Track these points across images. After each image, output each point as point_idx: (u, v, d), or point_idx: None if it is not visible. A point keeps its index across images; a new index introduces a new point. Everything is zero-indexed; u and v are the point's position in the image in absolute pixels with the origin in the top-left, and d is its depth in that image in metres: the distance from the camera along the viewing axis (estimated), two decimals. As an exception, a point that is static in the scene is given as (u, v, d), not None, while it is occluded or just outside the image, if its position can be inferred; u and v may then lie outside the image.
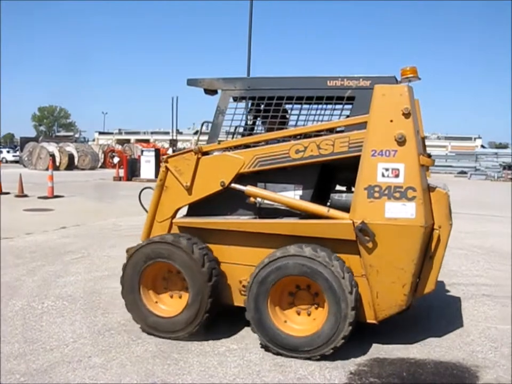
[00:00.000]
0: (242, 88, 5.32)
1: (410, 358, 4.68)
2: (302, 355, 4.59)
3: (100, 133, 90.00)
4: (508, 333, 5.40)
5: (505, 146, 78.63)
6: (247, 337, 5.03)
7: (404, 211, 4.49)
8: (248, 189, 5.07)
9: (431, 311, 6.07)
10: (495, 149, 63.29)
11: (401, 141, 4.48)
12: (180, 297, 5.14)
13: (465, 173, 44.33)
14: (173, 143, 32.19)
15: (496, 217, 14.81)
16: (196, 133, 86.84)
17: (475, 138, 71.02)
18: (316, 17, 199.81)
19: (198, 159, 5.20)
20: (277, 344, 4.66)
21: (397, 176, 4.52)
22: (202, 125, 5.60)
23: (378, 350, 4.80)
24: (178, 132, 42.79)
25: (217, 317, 5.17)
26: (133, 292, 5.10)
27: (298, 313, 4.80)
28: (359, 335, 4.73)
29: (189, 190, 5.25)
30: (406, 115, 4.49)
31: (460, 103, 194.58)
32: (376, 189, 4.57)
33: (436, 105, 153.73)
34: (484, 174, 39.91)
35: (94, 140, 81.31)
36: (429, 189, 4.73)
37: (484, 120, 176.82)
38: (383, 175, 4.55)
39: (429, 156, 4.67)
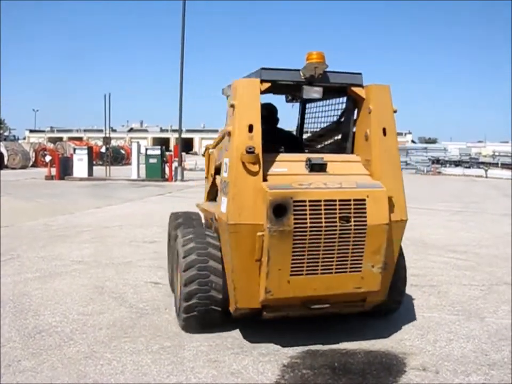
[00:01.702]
0: (228, 93, 5.63)
1: (341, 349, 4.79)
2: None
3: (31, 131, 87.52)
4: (434, 320, 5.64)
5: (434, 141, 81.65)
6: (181, 335, 5.02)
7: (223, 206, 4.61)
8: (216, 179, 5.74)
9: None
10: (424, 143, 65.30)
11: (228, 136, 4.65)
12: None
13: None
14: (107, 141, 31.49)
15: (422, 210, 15.25)
16: (130, 130, 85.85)
17: (405, 134, 73.35)
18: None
19: (208, 154, 6.35)
20: None
21: (226, 171, 4.71)
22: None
23: (310, 342, 4.88)
24: (112, 130, 41.99)
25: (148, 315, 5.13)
26: (169, 245, 6.66)
27: None
28: (291, 327, 4.81)
29: (207, 178, 6.48)
30: (230, 109, 4.66)
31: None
32: (222, 183, 4.82)
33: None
34: (414, 168, 40.93)
35: (24, 138, 78.71)
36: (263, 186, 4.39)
37: (413, 116, 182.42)
38: (225, 170, 4.76)
39: (249, 151, 4.36)
